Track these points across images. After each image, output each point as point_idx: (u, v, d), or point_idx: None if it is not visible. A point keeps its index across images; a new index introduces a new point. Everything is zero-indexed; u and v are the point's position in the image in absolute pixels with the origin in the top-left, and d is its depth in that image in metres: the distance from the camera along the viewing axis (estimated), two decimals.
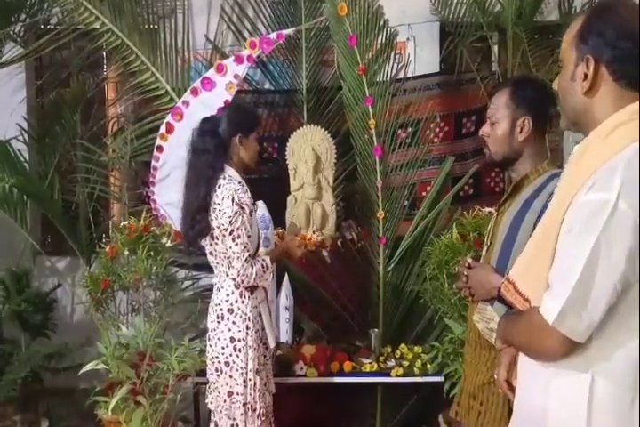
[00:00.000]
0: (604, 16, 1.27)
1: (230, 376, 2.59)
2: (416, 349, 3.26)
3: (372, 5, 3.44)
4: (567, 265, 1.20)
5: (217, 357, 2.63)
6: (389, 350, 3.27)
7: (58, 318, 3.82)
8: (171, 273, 3.51)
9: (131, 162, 3.80)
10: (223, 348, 2.60)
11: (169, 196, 3.44)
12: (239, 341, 2.58)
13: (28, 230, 3.87)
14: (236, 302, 2.60)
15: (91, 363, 2.89)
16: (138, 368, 2.84)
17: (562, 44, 1.33)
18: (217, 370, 2.63)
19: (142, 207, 3.60)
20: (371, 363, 3.15)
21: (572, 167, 1.29)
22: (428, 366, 3.10)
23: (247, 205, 2.53)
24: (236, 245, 2.52)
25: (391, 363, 3.16)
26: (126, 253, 3.16)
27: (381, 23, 3.47)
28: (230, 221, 2.51)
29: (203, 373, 2.93)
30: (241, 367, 2.58)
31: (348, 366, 3.13)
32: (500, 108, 1.95)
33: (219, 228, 2.55)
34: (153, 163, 3.56)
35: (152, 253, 3.15)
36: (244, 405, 2.58)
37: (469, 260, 1.99)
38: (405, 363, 3.15)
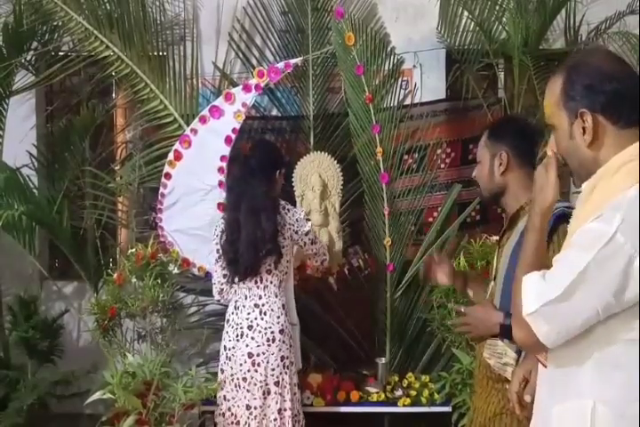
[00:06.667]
0: (581, 69, 1.31)
1: (280, 394, 2.78)
2: (423, 378, 3.24)
3: (379, 33, 3.49)
4: (562, 272, 1.23)
5: (264, 380, 2.78)
6: (396, 378, 3.24)
7: (64, 344, 3.81)
8: (177, 299, 3.51)
9: (139, 188, 3.81)
10: (273, 369, 2.79)
11: (177, 222, 3.45)
12: (287, 358, 2.83)
13: (36, 256, 3.88)
14: (285, 321, 2.85)
15: (97, 393, 2.88)
16: (144, 398, 2.83)
17: (545, 110, 1.36)
18: (264, 393, 2.78)
19: (150, 233, 3.61)
20: (378, 392, 3.12)
21: (581, 207, 1.31)
22: (436, 396, 3.08)
23: None
24: (318, 242, 3.04)
25: (398, 392, 3.14)
26: (134, 280, 3.17)
27: (388, 50, 3.52)
28: (308, 231, 2.94)
29: (209, 402, 2.92)
30: (288, 384, 2.79)
31: (355, 395, 3.11)
32: (481, 148, 2.06)
33: (299, 239, 2.91)
34: (161, 190, 3.56)
35: (159, 280, 3.17)
36: (294, 417, 2.80)
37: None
38: (413, 392, 3.13)
